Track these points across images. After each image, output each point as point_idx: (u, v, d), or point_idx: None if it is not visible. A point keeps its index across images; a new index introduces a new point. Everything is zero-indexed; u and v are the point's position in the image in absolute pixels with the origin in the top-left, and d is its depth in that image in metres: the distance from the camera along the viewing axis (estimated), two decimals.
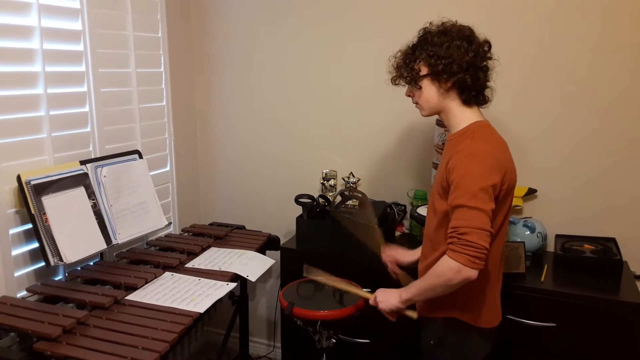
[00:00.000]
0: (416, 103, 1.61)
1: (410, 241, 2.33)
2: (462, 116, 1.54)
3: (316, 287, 1.98)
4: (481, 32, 1.55)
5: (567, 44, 2.08)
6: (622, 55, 2.01)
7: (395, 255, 1.86)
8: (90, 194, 1.97)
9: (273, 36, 2.56)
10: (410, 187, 2.43)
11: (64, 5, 1.96)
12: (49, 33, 1.89)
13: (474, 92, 1.53)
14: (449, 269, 1.40)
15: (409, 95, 1.62)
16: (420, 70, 1.53)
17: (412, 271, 1.78)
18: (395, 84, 1.61)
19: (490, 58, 1.55)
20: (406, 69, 1.55)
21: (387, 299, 1.61)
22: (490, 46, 1.55)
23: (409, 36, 1.59)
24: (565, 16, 2.06)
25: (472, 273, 1.38)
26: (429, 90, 1.54)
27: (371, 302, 1.67)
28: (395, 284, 1.80)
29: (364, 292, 1.73)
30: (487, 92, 1.58)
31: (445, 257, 1.41)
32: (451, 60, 1.47)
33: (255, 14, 2.58)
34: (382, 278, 1.89)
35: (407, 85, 1.60)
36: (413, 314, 1.63)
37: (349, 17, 2.40)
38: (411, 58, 1.55)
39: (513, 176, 1.53)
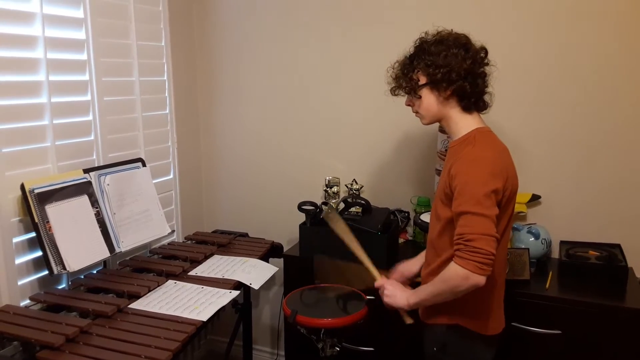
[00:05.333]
0: (416, 112, 1.62)
1: (414, 248, 2.32)
2: (463, 123, 1.55)
3: (320, 295, 1.97)
4: (477, 40, 1.56)
5: (571, 47, 2.08)
6: (626, 58, 2.01)
7: (403, 273, 1.83)
8: (94, 202, 1.98)
9: (276, 45, 2.57)
10: (413, 194, 2.43)
11: (67, 15, 1.98)
12: (52, 42, 1.90)
13: (474, 99, 1.54)
14: (456, 276, 1.39)
15: (408, 105, 1.62)
16: (419, 80, 1.54)
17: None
18: (395, 95, 1.62)
19: (487, 64, 1.55)
20: (405, 79, 1.56)
21: (395, 296, 1.61)
22: (486, 52, 1.56)
23: (411, 44, 1.59)
24: (566, 18, 2.06)
25: (480, 279, 1.37)
26: (429, 99, 1.55)
27: (377, 284, 1.67)
28: None
29: (374, 269, 1.71)
30: (487, 97, 1.58)
31: (452, 263, 1.41)
32: (449, 68, 1.47)
33: (258, 23, 2.59)
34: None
35: (406, 95, 1.60)
36: (409, 320, 1.62)
37: (351, 26, 2.41)
38: (409, 68, 1.56)
39: (515, 182, 1.53)
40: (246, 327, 2.54)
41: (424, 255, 1.73)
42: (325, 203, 2.38)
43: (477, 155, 1.46)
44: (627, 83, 2.02)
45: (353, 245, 1.81)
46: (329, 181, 2.54)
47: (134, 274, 2.04)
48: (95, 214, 1.97)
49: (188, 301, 1.79)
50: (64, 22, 1.96)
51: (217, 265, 2.13)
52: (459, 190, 1.43)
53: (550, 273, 2.01)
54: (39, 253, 1.79)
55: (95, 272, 2.04)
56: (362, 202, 2.26)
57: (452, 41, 1.50)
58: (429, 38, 1.55)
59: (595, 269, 1.93)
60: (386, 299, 1.63)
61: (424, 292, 1.54)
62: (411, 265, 1.83)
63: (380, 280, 1.69)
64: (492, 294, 1.57)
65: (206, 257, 2.22)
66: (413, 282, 1.84)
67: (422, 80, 1.54)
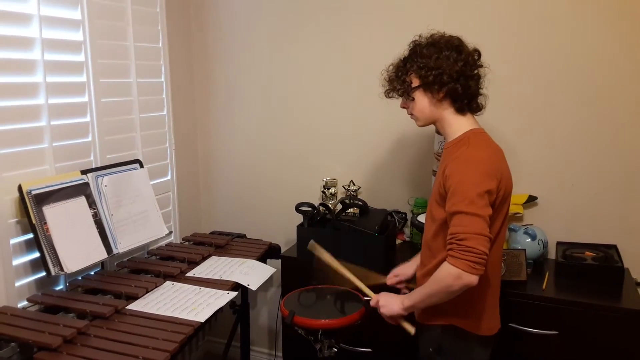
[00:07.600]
0: (411, 114, 1.63)
1: (412, 249, 2.32)
2: (457, 124, 1.56)
3: (318, 296, 1.98)
4: (474, 42, 1.57)
5: (568, 49, 2.08)
6: (625, 60, 2.02)
7: (400, 276, 1.85)
8: (91, 204, 1.98)
9: (273, 47, 2.58)
10: (410, 195, 2.43)
11: (65, 17, 1.98)
12: (50, 44, 1.91)
13: (467, 101, 1.55)
14: (448, 275, 1.40)
15: (403, 107, 1.64)
16: (412, 82, 1.56)
17: None
18: (389, 97, 1.64)
19: (480, 66, 1.56)
20: (398, 82, 1.58)
21: (390, 304, 1.62)
22: (479, 54, 1.57)
23: (407, 45, 1.60)
24: (563, 20, 2.07)
25: (473, 279, 1.38)
26: (422, 101, 1.56)
27: (372, 303, 1.67)
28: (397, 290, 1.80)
29: (367, 289, 1.72)
30: (480, 99, 1.59)
31: (445, 263, 1.42)
32: (441, 70, 1.49)
33: (255, 24, 2.59)
34: (383, 286, 1.88)
35: (400, 97, 1.61)
36: (411, 329, 1.62)
37: (347, 26, 2.41)
38: (402, 71, 1.57)
39: (509, 183, 1.54)
40: (244, 329, 2.54)
41: (419, 258, 1.74)
42: (323, 204, 2.39)
43: (471, 156, 1.47)
44: (624, 84, 2.03)
45: (343, 271, 1.81)
46: (326, 182, 2.54)
47: (131, 275, 2.04)
48: (92, 215, 1.97)
49: (186, 302, 1.79)
50: (61, 23, 1.96)
51: (214, 267, 2.13)
52: (453, 190, 1.44)
53: (547, 274, 2.02)
54: (37, 254, 1.80)
55: (92, 273, 2.05)
56: (360, 203, 2.26)
57: (444, 44, 1.52)
58: (422, 41, 1.56)
59: (591, 270, 1.94)
60: (382, 310, 1.63)
61: (418, 294, 1.54)
62: (407, 268, 1.84)
63: (373, 299, 1.68)
64: (488, 295, 1.58)
65: (204, 258, 2.22)
66: (408, 286, 1.85)
67: (415, 82, 1.55)
